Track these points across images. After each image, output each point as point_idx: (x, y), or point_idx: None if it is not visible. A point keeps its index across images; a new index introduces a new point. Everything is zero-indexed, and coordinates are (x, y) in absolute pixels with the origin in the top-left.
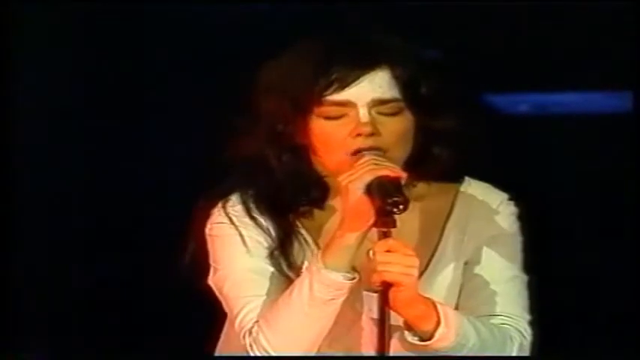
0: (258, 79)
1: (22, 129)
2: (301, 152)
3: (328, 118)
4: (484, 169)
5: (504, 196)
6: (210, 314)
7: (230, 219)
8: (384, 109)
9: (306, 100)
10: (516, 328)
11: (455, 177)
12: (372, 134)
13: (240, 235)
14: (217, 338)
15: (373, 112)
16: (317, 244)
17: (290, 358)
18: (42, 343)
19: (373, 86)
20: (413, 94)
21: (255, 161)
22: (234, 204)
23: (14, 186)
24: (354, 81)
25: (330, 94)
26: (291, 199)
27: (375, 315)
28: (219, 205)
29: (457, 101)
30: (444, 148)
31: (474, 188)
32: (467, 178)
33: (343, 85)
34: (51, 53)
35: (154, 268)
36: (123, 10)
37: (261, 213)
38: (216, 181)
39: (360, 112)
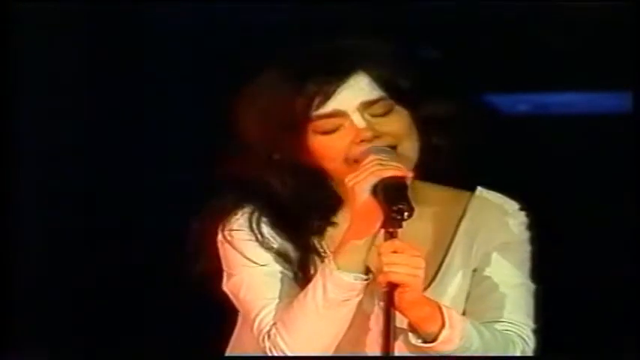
0: (239, 112)
1: (22, 128)
2: (304, 172)
3: (325, 132)
4: (484, 168)
5: (516, 205)
6: (212, 315)
7: (244, 226)
8: (375, 109)
9: (293, 123)
10: (519, 335)
11: (463, 178)
12: (374, 137)
13: (255, 241)
14: (219, 339)
15: (367, 115)
16: (327, 251)
17: (292, 358)
18: (42, 343)
19: (355, 91)
20: (396, 91)
21: (258, 184)
22: (246, 212)
23: (14, 185)
24: (334, 91)
25: (316, 109)
26: (301, 216)
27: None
28: (233, 213)
29: (442, 89)
30: (442, 137)
31: (486, 197)
32: (479, 188)
33: (325, 97)
34: (51, 53)
35: (155, 269)
36: (123, 11)
37: (274, 223)
38: (221, 185)
39: (355, 119)
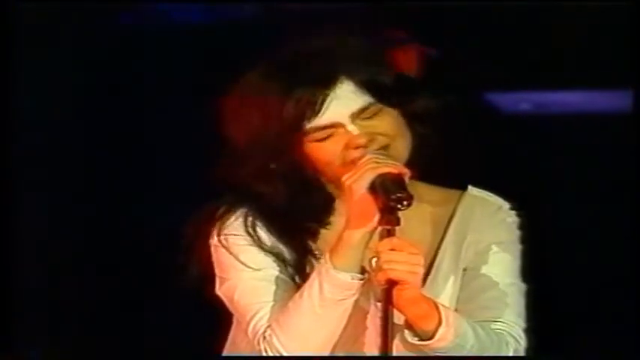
0: (228, 119)
1: (22, 128)
2: (298, 179)
3: (319, 140)
4: (485, 167)
5: (506, 204)
6: (212, 316)
7: (239, 230)
8: (365, 114)
9: (286, 135)
10: (511, 334)
11: (462, 177)
12: (369, 141)
13: (248, 245)
14: (218, 341)
15: (358, 121)
16: (320, 250)
17: (290, 358)
18: (42, 343)
19: (345, 101)
20: (381, 93)
21: (251, 190)
22: (240, 216)
23: (14, 185)
24: (323, 102)
25: (309, 122)
26: (295, 219)
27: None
28: (225, 217)
29: (423, 84)
30: (430, 128)
31: (476, 196)
32: (470, 187)
33: (316, 110)
34: (51, 53)
35: (155, 270)
36: (122, 11)
37: (269, 226)
38: (218, 189)
39: (349, 127)
